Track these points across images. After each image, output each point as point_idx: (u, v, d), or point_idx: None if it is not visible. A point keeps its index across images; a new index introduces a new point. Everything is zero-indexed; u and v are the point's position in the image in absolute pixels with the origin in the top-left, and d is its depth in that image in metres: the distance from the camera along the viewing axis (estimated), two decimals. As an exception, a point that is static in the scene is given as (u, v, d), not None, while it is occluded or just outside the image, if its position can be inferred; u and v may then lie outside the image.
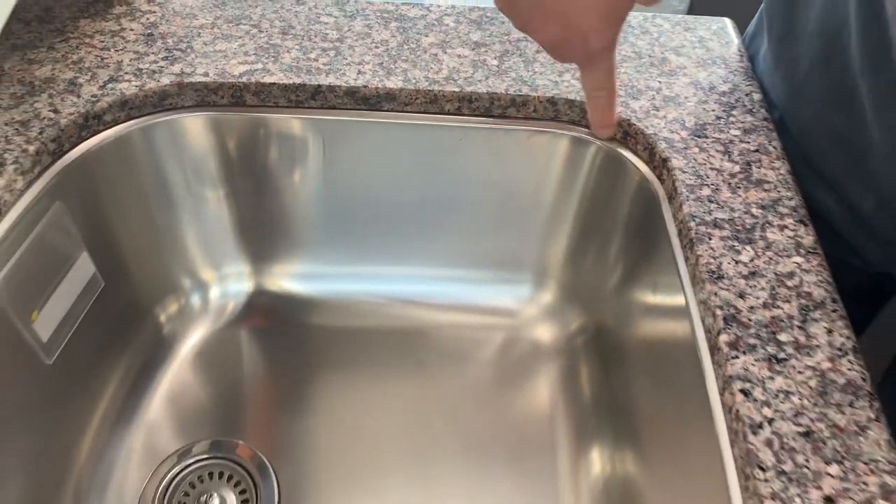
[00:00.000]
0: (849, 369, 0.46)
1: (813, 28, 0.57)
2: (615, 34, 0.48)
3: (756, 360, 0.46)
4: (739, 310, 0.47)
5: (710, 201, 0.52)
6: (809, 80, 0.58)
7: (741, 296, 0.48)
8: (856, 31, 0.52)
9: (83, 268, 0.59)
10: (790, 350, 0.46)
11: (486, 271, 0.70)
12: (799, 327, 0.47)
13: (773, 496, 0.41)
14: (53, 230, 0.55)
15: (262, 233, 0.68)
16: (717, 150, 0.55)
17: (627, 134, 0.58)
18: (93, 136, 0.55)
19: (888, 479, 0.42)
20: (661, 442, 0.57)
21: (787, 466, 0.42)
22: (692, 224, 0.50)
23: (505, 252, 0.69)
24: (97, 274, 0.60)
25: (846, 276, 0.61)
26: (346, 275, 0.71)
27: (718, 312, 0.47)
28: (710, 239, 0.50)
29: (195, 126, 0.59)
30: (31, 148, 0.52)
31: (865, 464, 0.42)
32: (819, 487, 0.41)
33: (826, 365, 0.46)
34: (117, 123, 0.56)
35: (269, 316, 0.71)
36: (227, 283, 0.70)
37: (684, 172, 0.53)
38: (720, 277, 0.48)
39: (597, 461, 0.64)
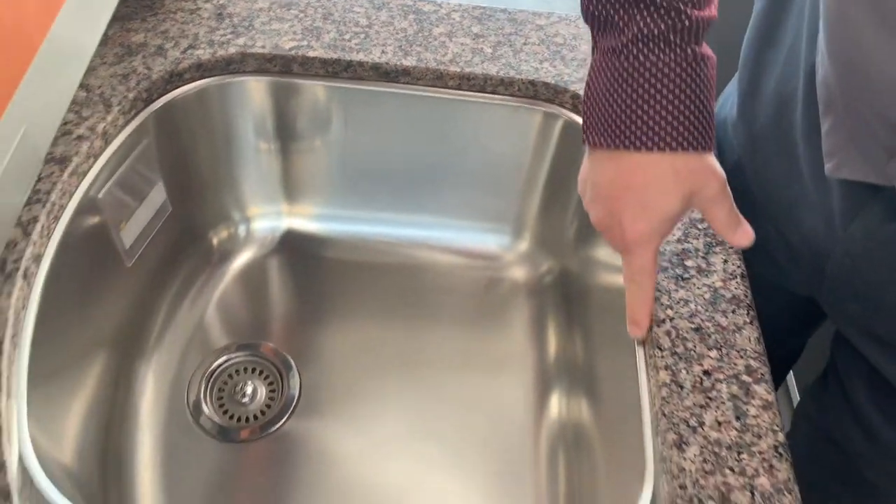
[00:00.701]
0: (735, 288, 0.60)
1: (771, 91, 0.62)
2: (649, 229, 0.50)
3: (666, 278, 0.60)
4: (658, 242, 0.61)
5: (646, 164, 0.66)
6: (763, 134, 0.64)
7: (661, 232, 0.62)
8: (801, 102, 0.58)
9: (158, 194, 0.73)
10: (693, 272, 0.61)
11: (474, 222, 0.85)
12: (702, 257, 0.62)
13: (666, 367, 0.55)
14: (141, 161, 0.69)
15: (296, 180, 0.82)
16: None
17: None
18: (175, 89, 0.70)
19: (752, 362, 0.56)
20: (602, 352, 0.71)
21: (679, 349, 0.56)
22: (630, 179, 0.65)
23: (490, 206, 0.83)
24: (167, 200, 0.75)
25: (780, 297, 0.72)
26: (361, 218, 0.85)
27: (642, 242, 0.61)
28: (642, 190, 0.64)
29: (253, 88, 0.73)
30: (130, 95, 0.66)
31: (737, 351, 0.57)
32: (701, 364, 0.55)
33: (719, 284, 0.60)
34: (194, 81, 0.71)
35: (298, 248, 0.85)
36: (267, 219, 0.84)
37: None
38: (647, 218, 0.63)
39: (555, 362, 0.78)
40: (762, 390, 0.55)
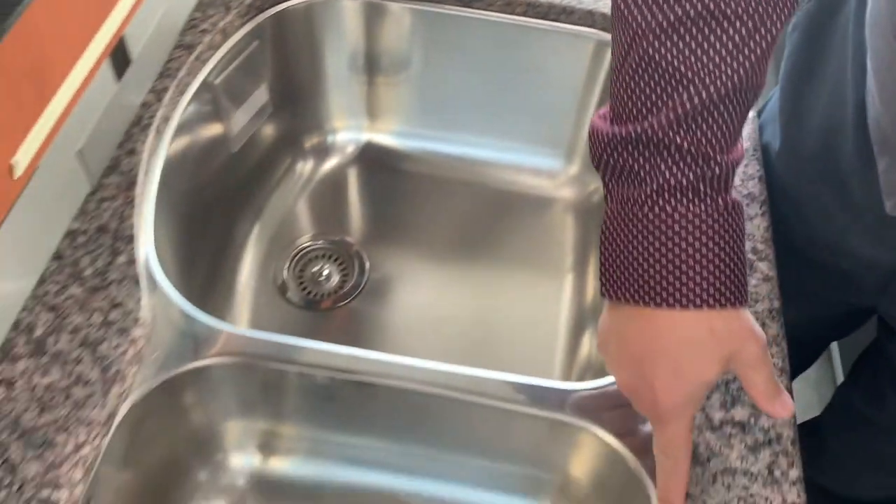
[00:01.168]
0: (752, 187, 0.67)
1: (816, 124, 0.63)
2: (685, 396, 0.44)
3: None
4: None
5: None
6: (810, 165, 0.65)
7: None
8: (851, 135, 0.59)
9: (261, 95, 0.84)
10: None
11: (533, 146, 0.93)
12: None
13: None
14: (251, 60, 0.80)
15: (378, 98, 0.93)
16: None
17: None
18: (285, 1, 0.81)
19: (758, 245, 0.63)
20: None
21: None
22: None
23: (546, 130, 0.91)
24: (269, 101, 0.86)
25: (826, 305, 0.75)
26: (433, 137, 0.95)
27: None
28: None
29: (348, 7, 0.83)
30: (247, 1, 0.78)
31: (747, 235, 0.64)
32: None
33: (737, 182, 0.68)
34: (299, -3, 0.82)
35: (377, 158, 0.95)
36: (351, 131, 0.95)
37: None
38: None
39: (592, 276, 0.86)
40: (765, 267, 0.62)
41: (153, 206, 0.63)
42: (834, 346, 1.36)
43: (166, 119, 0.68)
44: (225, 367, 0.57)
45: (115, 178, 0.63)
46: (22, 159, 0.39)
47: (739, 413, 0.54)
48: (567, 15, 0.81)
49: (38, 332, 0.54)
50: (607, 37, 0.81)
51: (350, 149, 0.95)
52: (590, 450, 0.55)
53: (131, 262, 0.59)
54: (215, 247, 0.79)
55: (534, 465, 0.61)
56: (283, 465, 0.65)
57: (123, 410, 0.53)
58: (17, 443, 0.49)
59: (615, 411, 0.55)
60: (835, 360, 1.36)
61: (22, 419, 0.50)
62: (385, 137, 0.95)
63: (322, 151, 0.94)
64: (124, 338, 0.55)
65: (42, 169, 0.52)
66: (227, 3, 0.77)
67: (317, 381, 0.58)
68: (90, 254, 0.59)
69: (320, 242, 0.90)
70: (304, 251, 0.89)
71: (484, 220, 0.92)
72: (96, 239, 0.59)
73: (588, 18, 0.81)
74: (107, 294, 0.57)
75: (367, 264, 0.89)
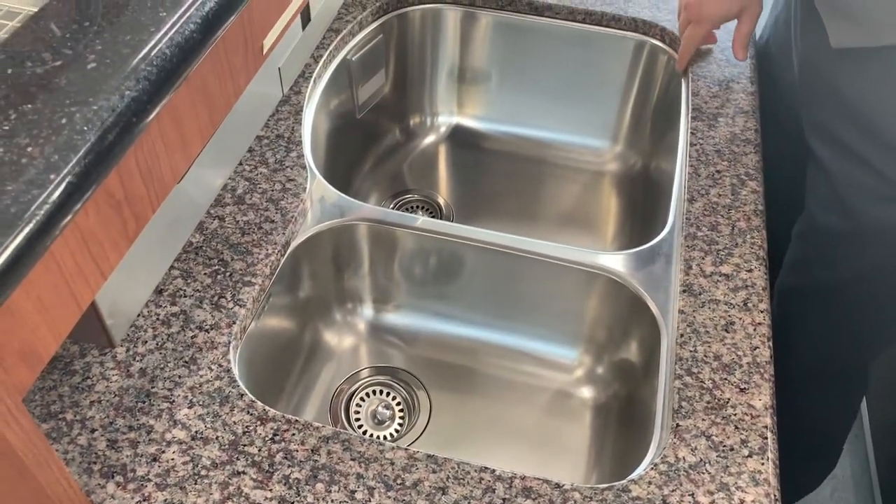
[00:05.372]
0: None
1: None
2: (716, 16, 0.91)
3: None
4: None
5: (702, 65, 0.95)
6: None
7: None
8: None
9: (379, 78, 1.09)
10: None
11: (583, 136, 1.15)
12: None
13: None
14: (377, 48, 1.05)
15: (463, 85, 1.16)
16: (715, 49, 0.99)
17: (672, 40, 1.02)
18: (407, 7, 1.06)
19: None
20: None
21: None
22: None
23: (596, 117, 1.13)
24: (384, 85, 1.11)
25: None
26: (506, 121, 1.18)
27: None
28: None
29: (451, 16, 1.08)
30: (377, 4, 1.03)
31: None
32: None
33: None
34: (415, 5, 1.07)
35: (463, 137, 1.18)
36: (444, 115, 1.19)
37: (692, 53, 0.97)
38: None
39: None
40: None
41: (310, 127, 0.87)
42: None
43: (320, 76, 0.93)
44: (356, 229, 0.79)
45: (287, 107, 0.87)
46: (267, 42, 0.62)
47: (725, 269, 0.73)
48: (616, 21, 1.04)
49: (239, 191, 0.78)
50: (644, 39, 1.04)
51: (443, 128, 1.18)
52: (608, 294, 0.75)
53: (300, 156, 0.82)
54: (347, 165, 1.03)
55: (572, 318, 0.81)
56: (390, 316, 0.86)
57: (294, 244, 0.76)
58: (227, 250, 0.72)
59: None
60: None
61: (230, 238, 0.73)
62: (470, 121, 1.19)
63: (421, 131, 1.18)
64: (297, 199, 0.78)
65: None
66: (363, 4, 1.02)
67: (422, 245, 0.80)
68: (272, 150, 0.82)
69: (415, 196, 1.13)
70: (404, 201, 1.12)
71: (544, 187, 1.14)
72: (276, 141, 0.83)
73: (631, 24, 1.03)
74: (284, 174, 0.80)
75: (453, 213, 1.11)
